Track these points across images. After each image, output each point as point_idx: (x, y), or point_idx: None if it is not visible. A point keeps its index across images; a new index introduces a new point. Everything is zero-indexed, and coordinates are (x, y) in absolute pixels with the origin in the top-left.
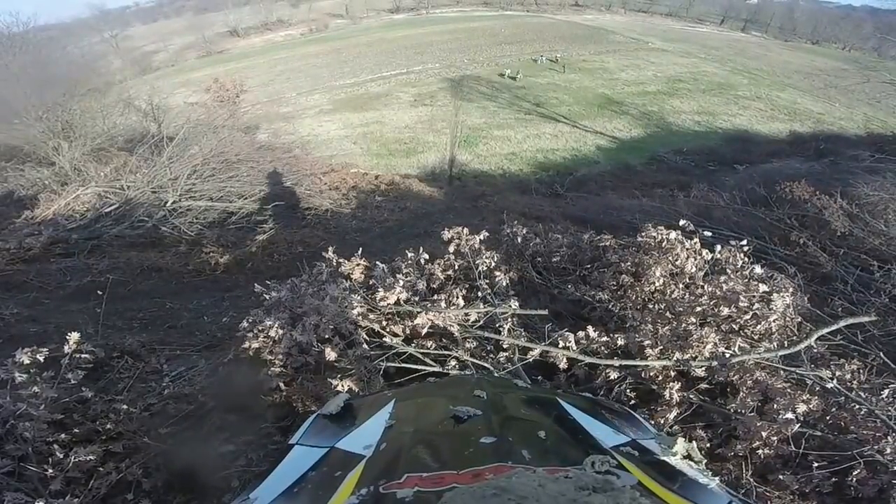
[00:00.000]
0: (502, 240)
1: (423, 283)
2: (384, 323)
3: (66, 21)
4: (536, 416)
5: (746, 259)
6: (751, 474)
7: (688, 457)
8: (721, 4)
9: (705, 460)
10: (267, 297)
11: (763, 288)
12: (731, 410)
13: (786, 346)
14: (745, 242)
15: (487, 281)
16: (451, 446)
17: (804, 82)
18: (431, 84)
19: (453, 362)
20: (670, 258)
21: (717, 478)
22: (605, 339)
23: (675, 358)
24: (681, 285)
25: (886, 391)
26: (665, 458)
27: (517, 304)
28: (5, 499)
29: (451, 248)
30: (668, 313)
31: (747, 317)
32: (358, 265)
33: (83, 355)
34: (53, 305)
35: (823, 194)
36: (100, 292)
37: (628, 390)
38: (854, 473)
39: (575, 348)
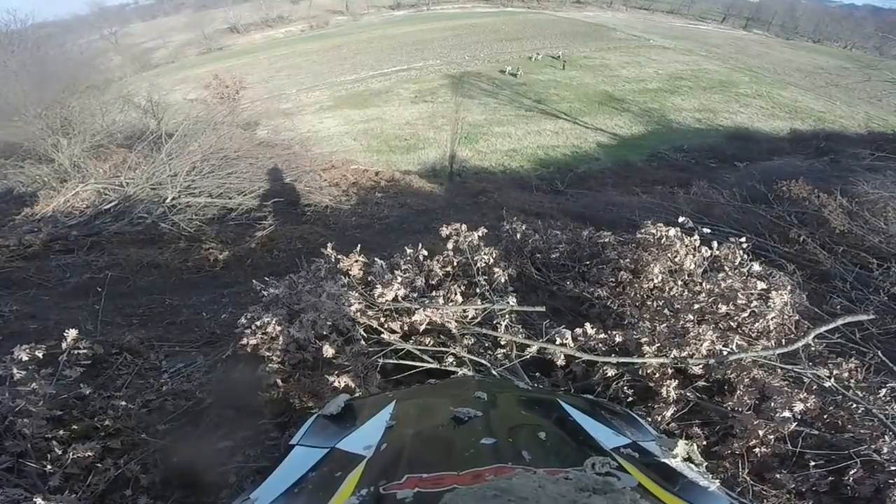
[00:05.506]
0: (501, 236)
1: (421, 279)
2: (382, 319)
3: (65, 18)
4: (537, 418)
5: (745, 256)
6: (747, 472)
7: (688, 459)
8: (723, 2)
9: (705, 462)
10: (265, 293)
11: (761, 285)
12: (729, 408)
13: (784, 344)
14: (744, 240)
15: (486, 277)
16: (452, 447)
17: (805, 80)
18: (432, 81)
19: (451, 359)
20: (669, 255)
21: (717, 480)
22: (602, 336)
23: (672, 355)
24: (679, 282)
25: (884, 390)
26: (665, 460)
27: (515, 300)
28: (4, 494)
29: (450, 245)
30: (666, 310)
31: (745, 314)
32: (356, 261)
33: (82, 352)
34: (53, 302)
35: (823, 192)
36: (99, 289)
37: (625, 387)
38: (850, 472)
39: (573, 345)
